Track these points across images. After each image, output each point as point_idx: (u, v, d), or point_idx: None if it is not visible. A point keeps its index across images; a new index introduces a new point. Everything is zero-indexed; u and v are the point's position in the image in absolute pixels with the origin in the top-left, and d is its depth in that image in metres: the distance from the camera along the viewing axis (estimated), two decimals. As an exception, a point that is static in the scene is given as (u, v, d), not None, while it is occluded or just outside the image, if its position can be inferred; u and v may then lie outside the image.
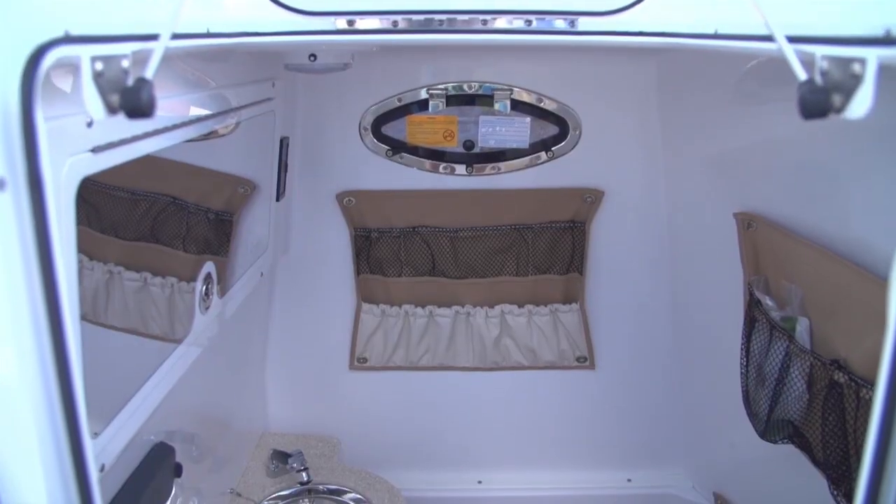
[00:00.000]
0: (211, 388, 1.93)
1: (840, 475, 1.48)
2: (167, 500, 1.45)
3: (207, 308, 1.53)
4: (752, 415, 1.81)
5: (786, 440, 1.72)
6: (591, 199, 2.28)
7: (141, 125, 1.07)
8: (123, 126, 1.02)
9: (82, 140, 0.89)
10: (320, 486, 2.20)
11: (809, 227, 1.60)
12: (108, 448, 1.07)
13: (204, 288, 1.50)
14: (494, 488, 2.48)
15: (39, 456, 0.64)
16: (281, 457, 2.19)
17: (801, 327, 1.62)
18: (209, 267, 1.53)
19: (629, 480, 2.50)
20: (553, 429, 2.49)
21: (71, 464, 0.65)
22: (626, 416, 2.47)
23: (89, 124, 0.89)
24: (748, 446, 2.04)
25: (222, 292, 1.66)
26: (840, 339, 1.48)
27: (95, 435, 1.03)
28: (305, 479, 2.13)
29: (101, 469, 1.06)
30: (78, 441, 0.65)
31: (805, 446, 1.62)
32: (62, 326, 0.65)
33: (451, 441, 2.50)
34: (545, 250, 2.31)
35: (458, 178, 2.28)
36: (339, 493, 2.19)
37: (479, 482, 2.50)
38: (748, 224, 1.83)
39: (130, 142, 1.03)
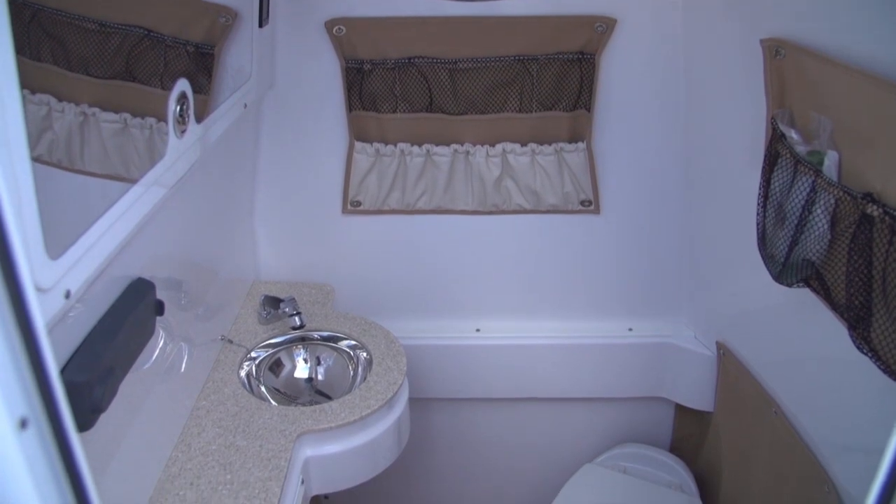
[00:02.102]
0: (196, 231, 1.83)
1: (859, 317, 1.40)
2: (150, 338, 1.37)
3: (183, 132, 1.39)
4: (767, 257, 1.72)
5: (801, 283, 1.64)
6: (602, 27, 2.08)
7: None
8: None
9: None
10: (314, 334, 2.14)
11: (847, 52, 1.45)
12: (73, 273, 0.97)
13: (178, 108, 1.35)
14: (493, 336, 2.42)
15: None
16: (273, 302, 2.12)
17: (830, 161, 1.50)
18: (182, 85, 1.37)
19: (630, 329, 2.45)
20: (554, 275, 2.40)
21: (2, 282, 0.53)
22: (629, 263, 2.39)
23: None
24: (754, 296, 1.99)
25: (201, 119, 1.52)
26: (874, 172, 1.37)
27: (56, 257, 0.92)
28: (298, 323, 2.05)
29: (67, 295, 0.96)
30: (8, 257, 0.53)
31: (823, 289, 1.55)
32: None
33: (449, 288, 2.42)
34: (551, 84, 2.13)
35: (459, 4, 2.07)
36: (334, 339, 2.13)
37: (478, 330, 2.44)
38: (776, 51, 1.67)
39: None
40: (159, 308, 1.38)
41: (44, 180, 0.85)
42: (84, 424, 1.13)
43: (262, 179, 2.28)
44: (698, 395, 2.39)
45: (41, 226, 0.86)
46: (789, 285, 1.66)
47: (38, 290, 0.88)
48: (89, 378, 1.09)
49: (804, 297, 1.72)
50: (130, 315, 1.26)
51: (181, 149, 1.38)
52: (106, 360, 1.14)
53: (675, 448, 2.62)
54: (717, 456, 2.31)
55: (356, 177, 2.23)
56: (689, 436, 2.55)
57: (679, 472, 2.44)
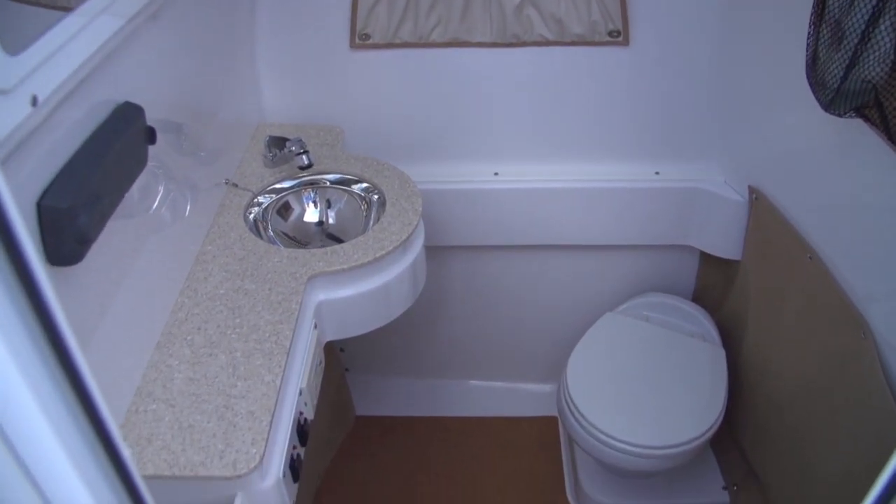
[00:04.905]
0: (192, 65, 1.69)
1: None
2: (142, 168, 1.26)
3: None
4: (816, 84, 1.57)
5: (853, 114, 1.50)
6: None
7: None
8: None
9: None
10: (324, 180, 2.02)
11: None
12: (40, 76, 0.84)
13: None
14: (511, 180, 2.29)
15: None
16: (278, 143, 1.99)
17: (903, -33, 1.33)
18: None
19: (657, 173, 2.31)
20: (577, 114, 2.24)
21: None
22: (658, 101, 2.21)
23: None
24: (792, 136, 1.87)
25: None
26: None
27: (15, 53, 0.79)
28: (306, 162, 1.93)
29: (34, 102, 0.83)
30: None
31: (880, 117, 1.41)
32: None
33: (465, 128, 2.26)
34: None
35: None
36: (345, 182, 2.01)
37: (496, 174, 2.31)
38: None
39: None
40: (151, 135, 1.26)
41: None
42: (72, 256, 1.03)
43: (263, 12, 2.10)
44: (726, 243, 2.29)
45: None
46: (841, 115, 1.52)
47: (-4, 89, 0.76)
48: (72, 204, 0.98)
49: (848, 137, 1.61)
50: (118, 140, 1.14)
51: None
52: (91, 186, 1.03)
53: (698, 298, 2.55)
54: (742, 305, 2.24)
55: (364, 6, 2.04)
56: (713, 285, 2.47)
57: (702, 321, 2.38)
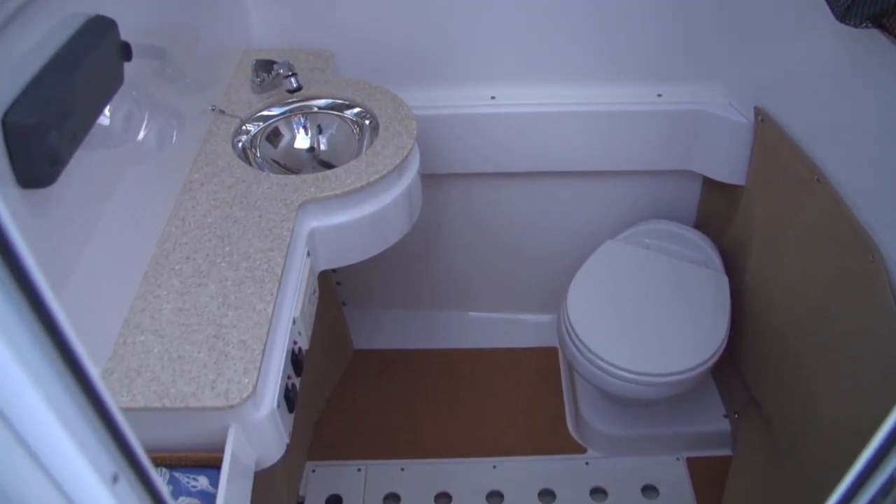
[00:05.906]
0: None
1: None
2: (118, 86, 1.18)
3: None
4: (831, -6, 1.49)
5: (868, 23, 1.43)
6: None
7: None
8: None
9: None
10: (314, 106, 1.94)
11: None
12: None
13: None
14: (509, 104, 2.20)
15: None
16: (266, 66, 1.91)
17: None
18: None
19: (659, 95, 2.23)
20: (576, 34, 2.13)
21: None
22: (660, 20, 2.10)
23: None
24: (801, 55, 1.79)
25: None
26: None
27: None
28: (295, 85, 1.85)
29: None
30: None
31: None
32: None
33: (460, 50, 2.16)
34: None
35: None
36: (336, 108, 1.94)
37: (493, 98, 2.22)
38: None
39: None
40: (125, 51, 1.18)
41: None
42: (44, 177, 0.97)
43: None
44: (730, 168, 2.23)
45: None
46: (856, 25, 1.45)
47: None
48: (40, 120, 0.92)
49: (861, 54, 1.54)
50: (88, 55, 1.06)
51: None
52: (61, 102, 0.97)
53: (701, 224, 2.50)
54: (746, 231, 2.19)
55: (352, -81, 1.93)
56: (715, 211, 2.41)
57: (704, 248, 2.33)
